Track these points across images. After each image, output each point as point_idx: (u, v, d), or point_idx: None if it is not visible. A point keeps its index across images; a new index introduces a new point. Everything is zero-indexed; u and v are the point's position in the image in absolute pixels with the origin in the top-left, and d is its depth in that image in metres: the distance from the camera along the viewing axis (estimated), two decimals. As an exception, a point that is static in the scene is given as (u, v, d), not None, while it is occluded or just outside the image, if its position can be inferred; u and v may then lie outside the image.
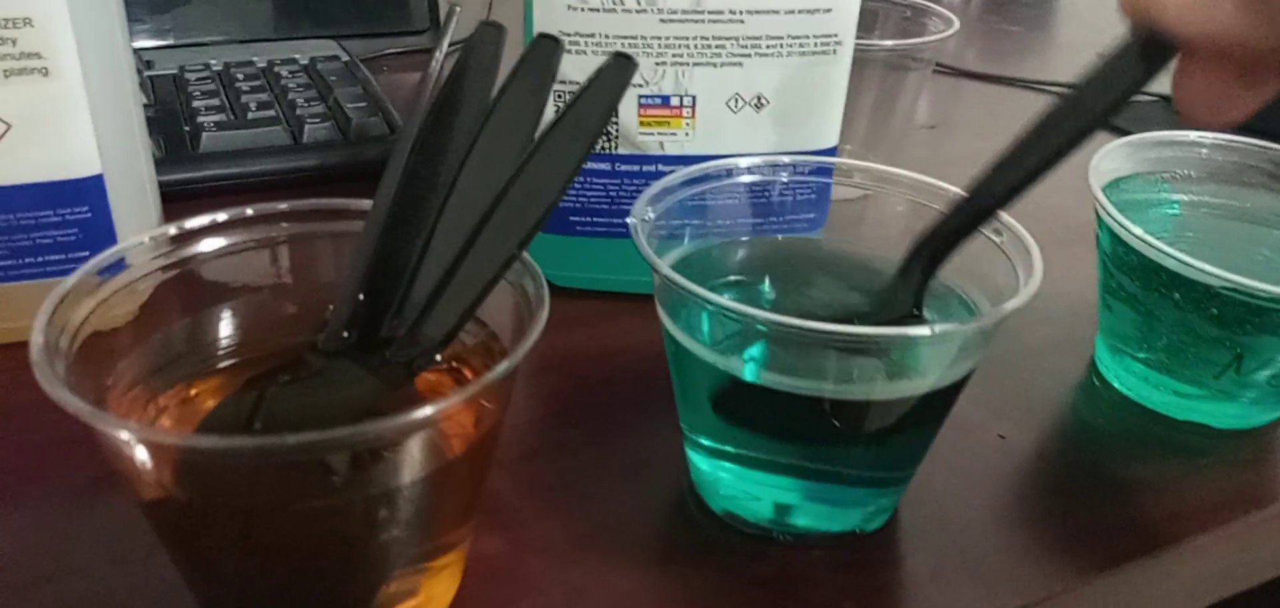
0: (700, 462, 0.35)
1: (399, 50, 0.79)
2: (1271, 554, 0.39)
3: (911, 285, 0.33)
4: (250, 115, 0.59)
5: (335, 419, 0.27)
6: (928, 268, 0.33)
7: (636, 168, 0.45)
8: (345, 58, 0.69)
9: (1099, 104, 0.29)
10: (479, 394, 0.26)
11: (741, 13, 0.42)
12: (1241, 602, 0.40)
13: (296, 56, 0.68)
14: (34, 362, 0.25)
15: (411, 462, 0.27)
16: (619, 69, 0.30)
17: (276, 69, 0.66)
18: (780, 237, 0.40)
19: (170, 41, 0.73)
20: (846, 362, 0.31)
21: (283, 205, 0.32)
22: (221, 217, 0.32)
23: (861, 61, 0.55)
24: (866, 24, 0.62)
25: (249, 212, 0.32)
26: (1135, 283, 0.41)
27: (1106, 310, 0.44)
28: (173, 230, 0.31)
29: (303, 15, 0.77)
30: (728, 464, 0.34)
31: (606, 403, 0.41)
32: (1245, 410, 0.41)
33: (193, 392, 0.31)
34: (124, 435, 0.25)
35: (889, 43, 0.57)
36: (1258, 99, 0.26)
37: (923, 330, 0.29)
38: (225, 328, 0.32)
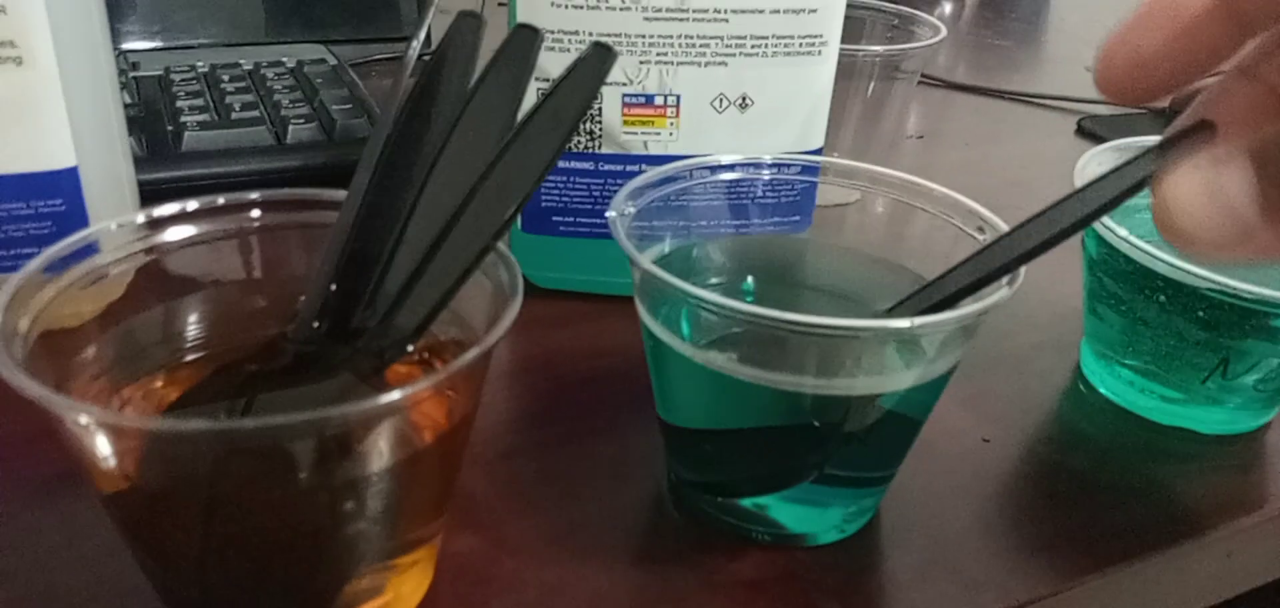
0: (680, 461, 0.35)
1: (388, 55, 0.79)
2: (1258, 561, 0.39)
3: None
4: (234, 116, 0.58)
5: (303, 409, 0.27)
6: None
7: (620, 167, 0.45)
8: (333, 61, 0.69)
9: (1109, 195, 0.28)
10: (448, 382, 0.25)
11: (726, 12, 0.42)
12: (1228, 609, 0.40)
13: (284, 59, 0.68)
14: (-9, 349, 0.24)
15: (379, 452, 0.26)
16: (597, 59, 0.29)
17: (263, 71, 0.65)
18: (764, 236, 0.40)
19: (158, 44, 0.72)
20: (827, 357, 0.30)
21: (254, 195, 0.32)
22: (191, 205, 0.31)
23: (849, 69, 0.55)
24: (854, 32, 0.62)
25: (220, 201, 0.31)
26: (1121, 287, 0.40)
27: (1092, 316, 0.43)
28: (140, 218, 0.30)
29: (292, 19, 0.77)
30: (708, 463, 0.34)
31: (586, 403, 0.41)
32: (1232, 415, 0.41)
33: (159, 384, 0.30)
34: (82, 420, 0.24)
35: (877, 49, 0.56)
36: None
37: (903, 323, 0.28)
38: (193, 319, 0.32)
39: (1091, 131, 0.74)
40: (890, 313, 0.32)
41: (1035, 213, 0.29)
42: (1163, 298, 0.38)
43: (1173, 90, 0.25)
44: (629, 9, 0.41)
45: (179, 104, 0.59)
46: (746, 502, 0.34)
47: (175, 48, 0.71)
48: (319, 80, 0.64)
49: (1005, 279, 0.30)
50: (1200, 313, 0.37)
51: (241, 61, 0.67)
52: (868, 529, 0.35)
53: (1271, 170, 0.21)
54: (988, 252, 0.30)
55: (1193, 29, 0.24)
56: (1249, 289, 0.35)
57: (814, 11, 0.42)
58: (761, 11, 0.42)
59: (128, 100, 0.59)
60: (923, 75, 0.69)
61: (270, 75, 0.64)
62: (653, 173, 0.36)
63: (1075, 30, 1.08)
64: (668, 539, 0.34)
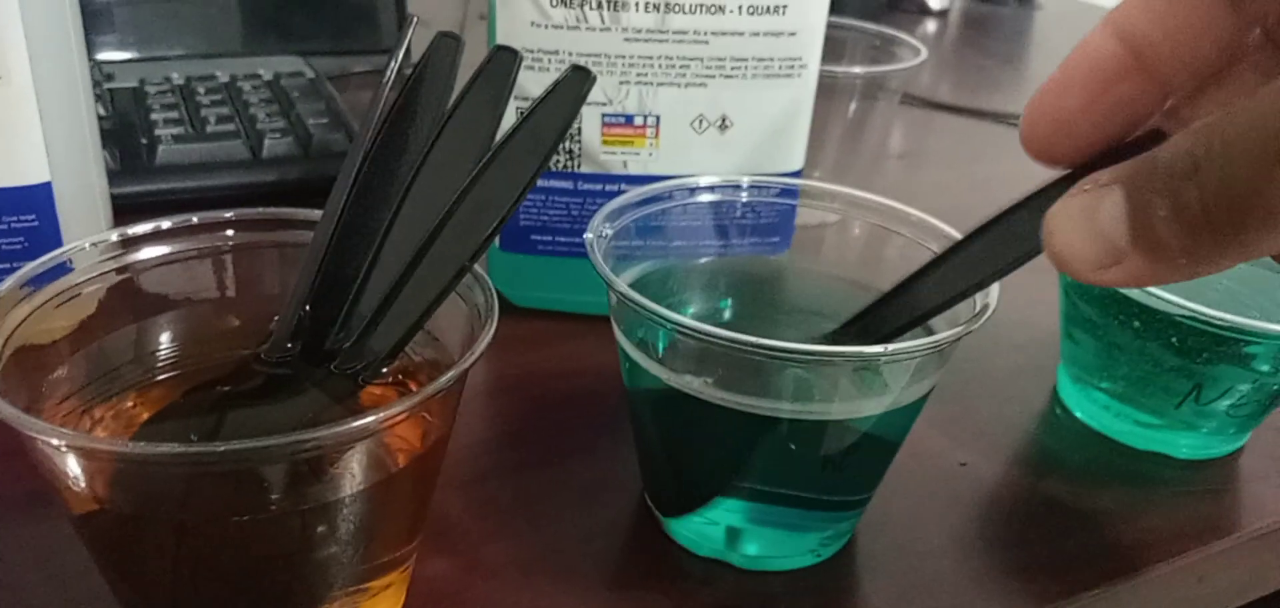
0: (655, 483, 0.35)
1: (367, 68, 0.79)
2: (1230, 584, 0.39)
3: None
4: (209, 129, 0.58)
5: (275, 431, 0.26)
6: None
7: (599, 187, 0.45)
8: (311, 74, 0.69)
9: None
10: (422, 406, 0.25)
11: (706, 34, 0.42)
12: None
13: (260, 72, 0.68)
14: (-41, 368, 0.24)
15: (352, 475, 0.26)
16: (576, 81, 0.29)
17: (239, 83, 0.65)
18: (742, 257, 0.40)
19: (134, 55, 0.72)
20: (803, 382, 0.30)
21: (228, 214, 0.31)
22: (165, 224, 0.31)
23: (830, 89, 0.55)
24: (835, 52, 0.62)
25: (194, 220, 0.31)
26: (1096, 311, 0.40)
27: (1068, 340, 0.43)
28: (114, 237, 0.30)
29: (269, 31, 0.76)
30: (683, 484, 0.34)
31: (563, 424, 0.40)
32: (1205, 440, 0.41)
33: (130, 404, 0.30)
34: (54, 442, 0.24)
35: (857, 70, 0.56)
36: None
37: (877, 349, 0.28)
38: (166, 339, 0.31)
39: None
40: (848, 327, 0.32)
41: (993, 217, 0.28)
42: (1137, 324, 0.39)
43: (1097, 150, 0.25)
44: (609, 29, 0.41)
45: (153, 117, 0.59)
46: (722, 527, 0.34)
47: (151, 59, 0.71)
48: (296, 93, 0.64)
49: (981, 302, 0.31)
50: (1173, 339, 0.38)
51: (217, 73, 0.67)
52: (844, 554, 0.35)
53: (1140, 199, 0.21)
54: (950, 267, 0.30)
55: (1112, 89, 0.25)
56: (1221, 317, 0.36)
57: (793, 34, 0.42)
58: (741, 34, 0.42)
59: (102, 112, 0.59)
60: (905, 94, 0.69)
61: (247, 88, 0.64)
62: (631, 194, 0.36)
63: (1059, 50, 1.09)
64: (644, 563, 0.34)
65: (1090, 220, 0.22)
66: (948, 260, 0.30)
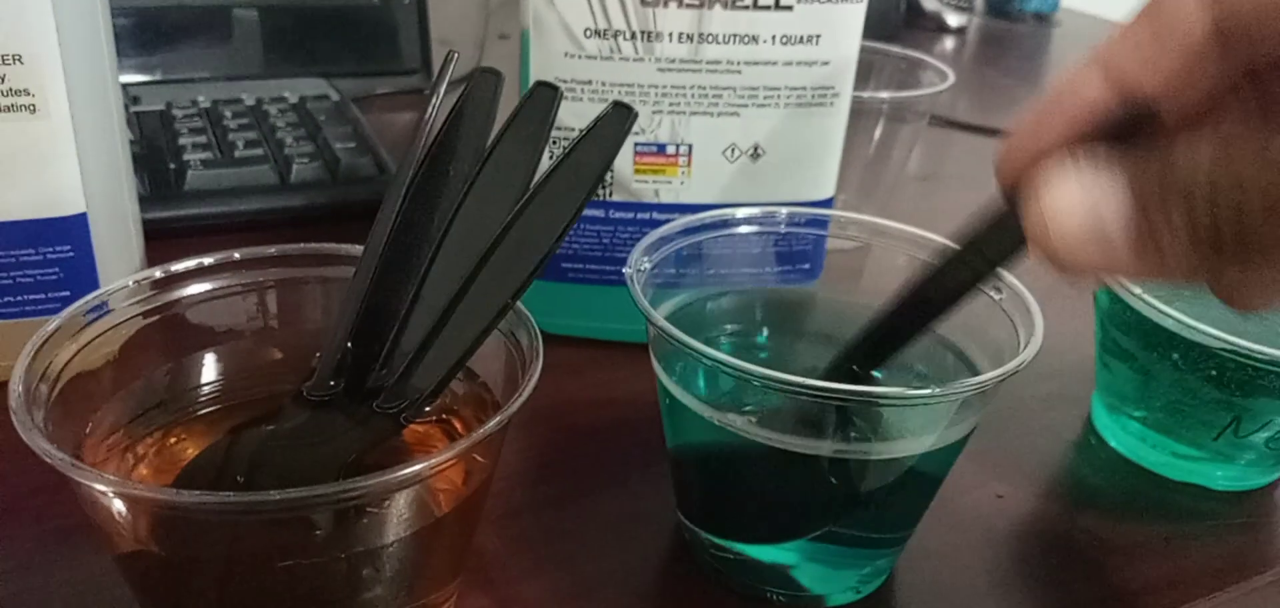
0: (693, 518, 0.35)
1: (390, 89, 0.79)
2: (1271, 621, 0.39)
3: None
4: (237, 154, 0.58)
5: (320, 472, 0.26)
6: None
7: (631, 215, 0.45)
8: (335, 97, 0.69)
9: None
10: (468, 450, 0.25)
11: (739, 63, 0.42)
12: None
13: (286, 94, 0.68)
14: (12, 409, 0.24)
15: (398, 519, 0.26)
16: (618, 118, 0.29)
17: (265, 107, 0.65)
18: (776, 288, 0.40)
19: (159, 77, 0.72)
20: (845, 421, 0.30)
21: (271, 250, 0.31)
22: (207, 260, 0.31)
23: (858, 112, 0.55)
24: (863, 75, 0.62)
25: (236, 256, 0.31)
26: (1133, 341, 0.40)
27: (1104, 369, 0.43)
28: (157, 273, 0.30)
29: (293, 53, 0.77)
30: (722, 522, 0.33)
31: (597, 455, 0.40)
32: (1243, 472, 0.41)
33: (173, 439, 0.30)
34: (101, 488, 0.24)
35: (885, 95, 0.56)
36: None
37: (923, 392, 0.28)
38: (209, 373, 0.31)
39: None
40: (846, 362, 0.31)
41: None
42: (1176, 356, 0.38)
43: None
44: (642, 59, 0.41)
45: (181, 141, 0.59)
46: (763, 562, 0.33)
47: (176, 81, 0.71)
48: (322, 116, 0.64)
49: (1025, 342, 0.31)
50: (1212, 371, 0.37)
51: (244, 96, 0.67)
52: (883, 590, 0.35)
53: (1149, 205, 0.22)
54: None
55: (1096, 130, 0.24)
56: (1262, 351, 0.35)
57: (826, 64, 0.42)
58: (774, 63, 0.42)
59: (130, 137, 0.59)
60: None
61: (273, 111, 0.64)
62: (669, 227, 0.36)
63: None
64: (681, 598, 0.34)
65: (1090, 209, 0.22)
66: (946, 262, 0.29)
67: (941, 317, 0.30)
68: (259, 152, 0.58)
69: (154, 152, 0.58)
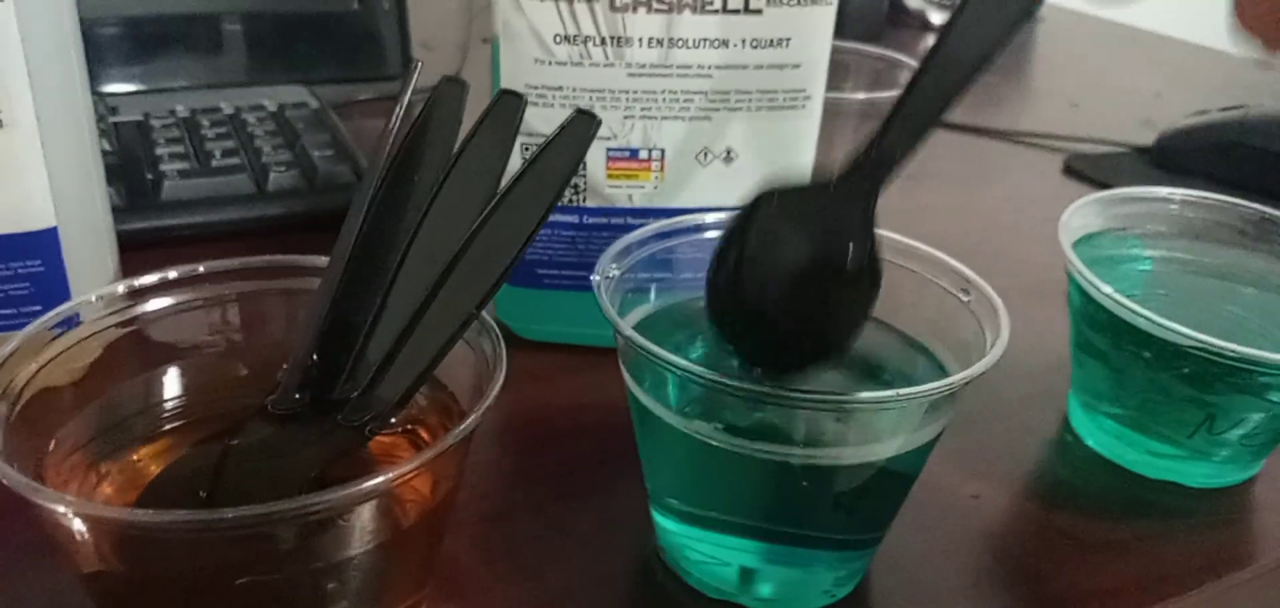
0: (666, 524, 0.35)
1: (372, 96, 0.78)
2: (1247, 618, 0.39)
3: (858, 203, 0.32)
4: (214, 163, 0.58)
5: (285, 485, 0.26)
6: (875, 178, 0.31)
7: (604, 220, 0.44)
8: (315, 104, 0.69)
9: None
10: (433, 461, 0.25)
11: (709, 67, 0.42)
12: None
13: (265, 103, 0.68)
14: (-32, 430, 0.24)
15: (362, 531, 0.26)
16: (582, 125, 0.29)
17: (243, 115, 0.65)
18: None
19: (138, 87, 0.71)
20: (815, 424, 0.30)
21: (235, 262, 0.31)
22: (172, 274, 0.31)
23: (834, 112, 0.55)
24: (839, 75, 0.62)
25: (201, 269, 0.31)
26: (1106, 340, 0.40)
27: (1078, 367, 0.43)
28: (121, 289, 0.30)
29: (274, 60, 0.76)
30: (694, 528, 0.33)
31: (570, 461, 0.40)
32: (1218, 469, 0.41)
33: (138, 456, 0.30)
34: (61, 509, 0.24)
35: (861, 96, 0.56)
36: None
37: (889, 395, 0.28)
38: (173, 389, 0.31)
39: (1079, 171, 0.74)
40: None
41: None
42: (1147, 354, 0.38)
43: None
44: (613, 65, 0.41)
45: (158, 151, 0.58)
46: (735, 567, 0.33)
47: (155, 91, 0.71)
48: (300, 124, 0.64)
49: (992, 343, 0.31)
50: (1184, 369, 0.37)
51: (222, 105, 0.67)
52: (859, 592, 0.35)
53: None
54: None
55: None
56: (1232, 348, 0.35)
57: (797, 67, 0.42)
58: (745, 67, 0.42)
59: (107, 147, 0.59)
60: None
61: (251, 120, 0.64)
62: (638, 233, 0.36)
63: (1062, 67, 1.09)
64: (655, 605, 0.34)
65: None
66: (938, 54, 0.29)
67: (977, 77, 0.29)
68: (236, 160, 0.58)
69: (131, 162, 0.58)
